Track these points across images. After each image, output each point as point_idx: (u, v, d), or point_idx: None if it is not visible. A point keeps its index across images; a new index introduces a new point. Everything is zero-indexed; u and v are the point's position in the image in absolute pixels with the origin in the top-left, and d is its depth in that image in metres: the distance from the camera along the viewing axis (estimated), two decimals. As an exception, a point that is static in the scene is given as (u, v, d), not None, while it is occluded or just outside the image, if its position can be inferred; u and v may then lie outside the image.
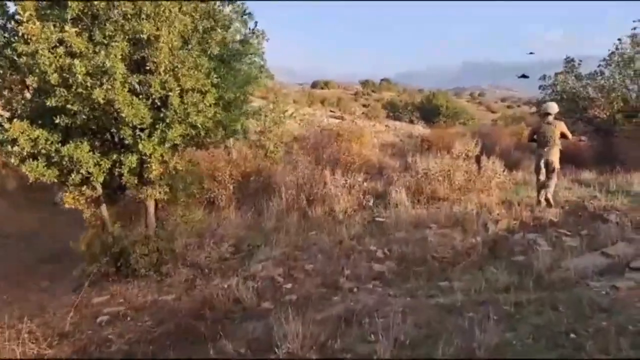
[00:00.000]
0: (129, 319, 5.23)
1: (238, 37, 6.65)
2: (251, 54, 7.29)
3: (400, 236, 6.86)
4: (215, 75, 5.76)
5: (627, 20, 15.26)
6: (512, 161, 13.24)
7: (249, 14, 6.76)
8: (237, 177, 10.75)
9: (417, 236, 6.77)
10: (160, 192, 6.16)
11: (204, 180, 9.78)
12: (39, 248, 8.38)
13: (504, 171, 9.81)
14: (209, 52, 5.81)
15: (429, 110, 35.42)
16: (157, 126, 5.53)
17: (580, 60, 16.06)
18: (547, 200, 7.88)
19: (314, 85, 63.46)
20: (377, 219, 8.08)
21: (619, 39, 14.99)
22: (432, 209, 8.17)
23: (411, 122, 34.95)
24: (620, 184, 9.49)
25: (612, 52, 15.04)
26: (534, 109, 19.97)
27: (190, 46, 5.70)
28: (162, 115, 5.53)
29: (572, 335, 3.35)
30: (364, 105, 43.29)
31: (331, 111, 35.78)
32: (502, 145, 16.89)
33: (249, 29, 6.88)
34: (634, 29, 14.48)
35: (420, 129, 28.61)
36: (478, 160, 10.23)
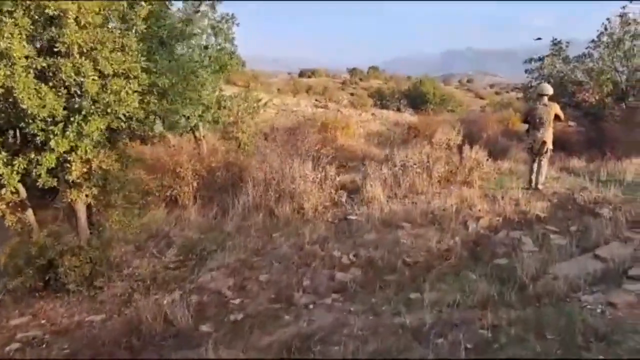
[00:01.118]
0: (44, 346, 4.45)
1: (180, 15, 5.76)
2: (194, 33, 6.39)
3: (370, 238, 6.12)
4: (144, 59, 4.90)
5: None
6: (498, 149, 12.57)
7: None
8: (202, 172, 9.93)
9: (388, 237, 6.03)
10: (87, 195, 5.33)
11: (166, 179, 9.01)
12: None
13: (487, 160, 9.11)
14: (134, 30, 4.95)
15: (416, 98, 34.59)
16: (72, 119, 4.68)
17: (568, 42, 15.31)
18: (537, 189, 7.52)
19: (302, 74, 62.03)
20: (349, 216, 7.35)
21: (607, 19, 14.25)
22: (409, 204, 7.42)
23: (398, 110, 34.16)
24: (612, 172, 8.89)
25: (601, 33, 14.30)
26: (520, 95, 19.30)
27: (112, 24, 4.84)
28: (76, 106, 4.67)
29: (562, 376, 2.65)
30: (351, 94, 42.30)
31: (316, 100, 34.98)
32: (489, 132, 16.27)
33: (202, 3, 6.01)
34: (624, 7, 13.74)
35: (407, 116, 27.89)
36: (460, 149, 9.51)
